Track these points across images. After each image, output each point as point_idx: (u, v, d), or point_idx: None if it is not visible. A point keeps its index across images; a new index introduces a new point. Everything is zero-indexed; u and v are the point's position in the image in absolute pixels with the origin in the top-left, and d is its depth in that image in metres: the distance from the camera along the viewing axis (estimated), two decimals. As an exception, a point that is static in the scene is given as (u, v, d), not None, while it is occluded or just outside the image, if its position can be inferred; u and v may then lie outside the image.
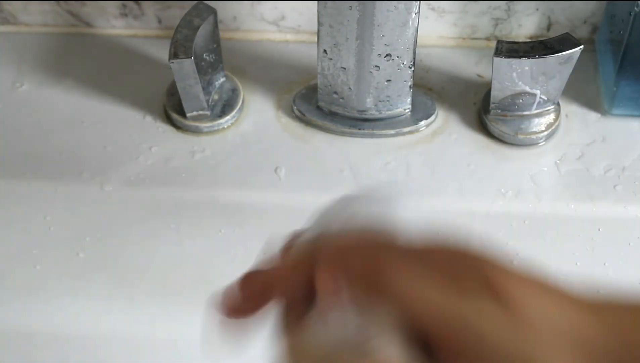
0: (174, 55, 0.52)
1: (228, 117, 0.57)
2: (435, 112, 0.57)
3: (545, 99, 0.55)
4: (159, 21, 0.62)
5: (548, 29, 0.61)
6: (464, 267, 0.31)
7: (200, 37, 0.53)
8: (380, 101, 0.55)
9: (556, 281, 0.31)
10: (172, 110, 0.57)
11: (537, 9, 0.59)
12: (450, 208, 0.54)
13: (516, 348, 0.29)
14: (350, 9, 0.49)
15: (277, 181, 0.54)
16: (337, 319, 0.32)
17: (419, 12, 0.50)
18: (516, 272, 0.31)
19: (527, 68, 0.52)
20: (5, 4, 0.61)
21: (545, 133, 0.56)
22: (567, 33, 0.52)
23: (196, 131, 0.57)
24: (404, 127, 0.57)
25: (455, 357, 0.30)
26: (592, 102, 0.58)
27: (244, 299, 0.34)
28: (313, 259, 0.32)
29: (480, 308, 0.30)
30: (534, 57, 0.51)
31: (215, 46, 0.55)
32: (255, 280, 0.34)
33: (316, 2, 0.50)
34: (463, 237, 0.33)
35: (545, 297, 0.31)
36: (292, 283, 0.33)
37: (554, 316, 0.30)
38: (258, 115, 0.58)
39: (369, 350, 0.30)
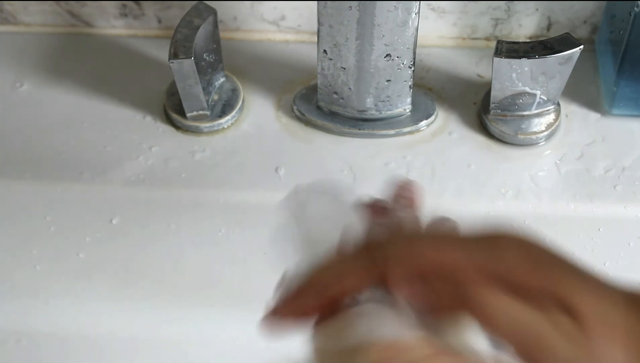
0: (174, 55, 0.52)
1: (228, 117, 0.57)
2: (435, 112, 0.57)
3: (545, 99, 0.55)
4: (159, 21, 0.62)
5: (548, 29, 0.61)
6: (534, 274, 0.31)
7: (200, 37, 0.53)
8: (380, 101, 0.55)
9: (617, 283, 0.32)
10: (172, 110, 0.57)
11: (537, 9, 0.59)
12: (450, 208, 0.53)
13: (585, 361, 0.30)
14: (350, 9, 0.49)
15: (277, 181, 0.54)
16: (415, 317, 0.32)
17: (419, 12, 0.50)
18: (585, 281, 0.32)
19: (527, 68, 0.52)
20: (5, 4, 0.61)
21: (545, 133, 0.56)
22: (567, 33, 0.52)
23: (196, 131, 0.57)
24: (404, 127, 0.57)
25: None
26: (592, 102, 0.58)
27: (312, 300, 0.33)
28: (378, 259, 0.32)
29: (551, 321, 0.30)
30: (534, 57, 0.51)
31: (215, 46, 0.55)
32: (322, 281, 0.33)
33: (316, 2, 0.50)
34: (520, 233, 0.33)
35: (610, 305, 0.31)
36: (360, 284, 0.32)
37: (620, 328, 0.31)
38: (258, 115, 0.58)
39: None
